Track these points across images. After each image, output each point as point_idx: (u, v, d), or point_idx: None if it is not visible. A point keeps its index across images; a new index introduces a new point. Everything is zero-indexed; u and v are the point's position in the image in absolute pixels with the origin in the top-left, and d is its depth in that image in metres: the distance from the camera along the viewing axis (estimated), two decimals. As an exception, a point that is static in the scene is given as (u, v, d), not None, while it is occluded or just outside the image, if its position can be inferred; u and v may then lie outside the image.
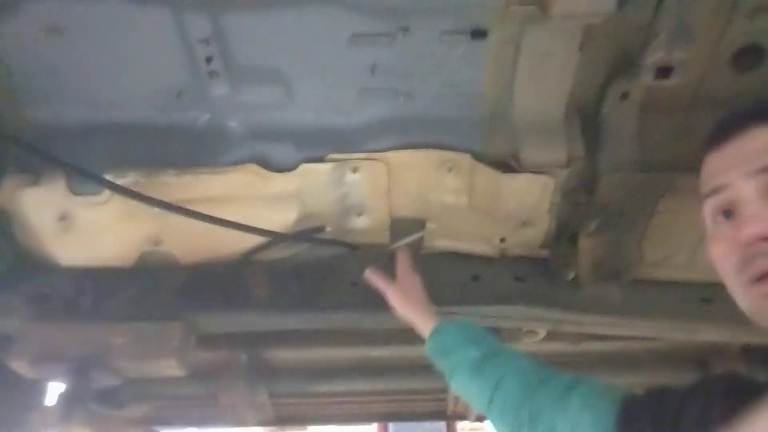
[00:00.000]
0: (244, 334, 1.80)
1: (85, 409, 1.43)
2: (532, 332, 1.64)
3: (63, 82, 1.25)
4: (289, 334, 1.85)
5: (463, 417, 2.01)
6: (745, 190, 0.76)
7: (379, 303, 1.41)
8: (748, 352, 1.83)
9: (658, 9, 1.04)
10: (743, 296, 0.76)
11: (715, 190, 0.80)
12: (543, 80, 1.17)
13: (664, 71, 1.09)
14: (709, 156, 0.83)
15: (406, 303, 1.35)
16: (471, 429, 4.56)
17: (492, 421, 1.18)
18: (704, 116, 1.28)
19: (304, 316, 1.45)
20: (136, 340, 1.36)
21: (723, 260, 0.78)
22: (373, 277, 1.40)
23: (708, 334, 1.50)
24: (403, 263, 1.41)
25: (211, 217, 1.30)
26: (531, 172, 1.26)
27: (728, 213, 0.79)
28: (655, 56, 1.05)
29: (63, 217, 1.39)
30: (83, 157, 1.30)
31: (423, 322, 1.32)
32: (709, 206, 0.81)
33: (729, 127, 0.80)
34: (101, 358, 1.38)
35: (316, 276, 1.48)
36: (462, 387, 1.23)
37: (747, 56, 1.17)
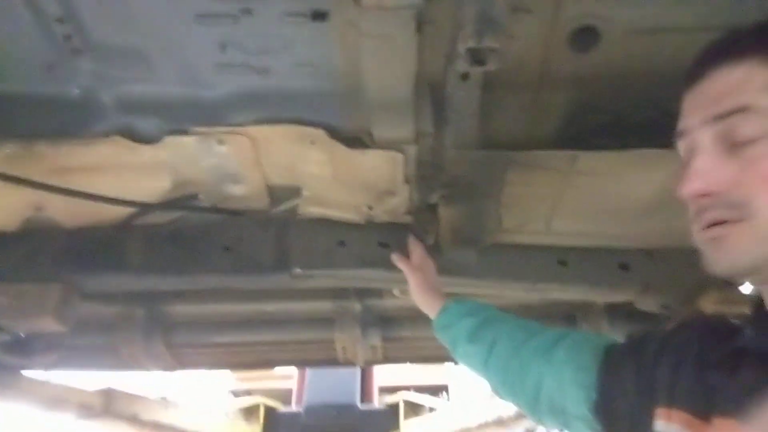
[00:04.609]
0: (141, 291, 1.90)
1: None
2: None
3: None
4: (185, 290, 1.96)
5: (352, 363, 2.15)
6: (702, 138, 0.71)
7: (249, 267, 1.51)
8: (612, 307, 1.98)
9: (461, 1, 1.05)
10: (697, 238, 0.74)
11: (680, 134, 0.76)
12: (386, 61, 1.20)
13: (478, 59, 1.14)
14: (684, 95, 0.77)
15: (426, 288, 1.44)
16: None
17: (490, 382, 1.25)
18: (552, 94, 1.34)
19: (177, 279, 1.54)
20: (18, 300, 1.45)
21: (685, 202, 0.75)
22: (399, 261, 1.49)
23: (561, 293, 1.62)
24: (417, 249, 1.50)
25: (78, 191, 1.37)
26: (381, 148, 1.33)
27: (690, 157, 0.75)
28: (466, 44, 1.09)
29: (-58, 184, 1.44)
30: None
31: (434, 305, 1.40)
32: (680, 147, 0.78)
33: (699, 64, 0.74)
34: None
35: (191, 241, 1.56)
36: (464, 356, 1.29)
37: (584, 37, 1.21)
